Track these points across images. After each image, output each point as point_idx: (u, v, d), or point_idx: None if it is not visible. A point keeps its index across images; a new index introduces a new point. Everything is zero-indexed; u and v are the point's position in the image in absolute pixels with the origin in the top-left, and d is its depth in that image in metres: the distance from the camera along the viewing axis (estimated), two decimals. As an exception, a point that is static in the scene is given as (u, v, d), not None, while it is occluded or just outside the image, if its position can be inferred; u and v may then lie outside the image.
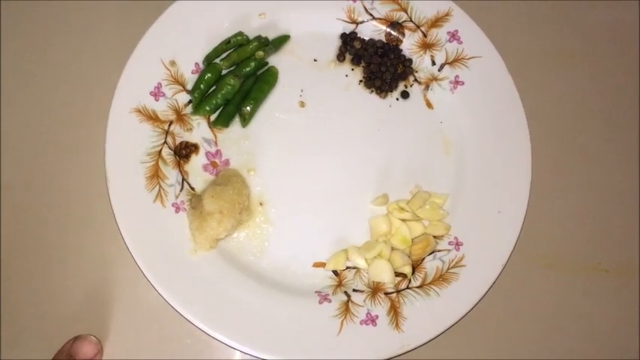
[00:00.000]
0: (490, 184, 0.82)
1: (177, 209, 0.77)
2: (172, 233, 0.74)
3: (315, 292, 0.76)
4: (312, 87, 0.85)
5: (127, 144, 0.76)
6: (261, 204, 0.80)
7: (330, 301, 0.75)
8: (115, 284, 0.77)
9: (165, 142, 0.79)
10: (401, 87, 0.88)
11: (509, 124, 0.84)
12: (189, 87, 0.81)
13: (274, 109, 0.84)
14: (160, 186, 0.77)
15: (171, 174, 0.78)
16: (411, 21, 0.89)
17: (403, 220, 0.80)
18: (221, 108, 0.81)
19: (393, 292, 0.77)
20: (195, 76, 0.81)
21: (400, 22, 0.88)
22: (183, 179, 0.79)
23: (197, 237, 0.75)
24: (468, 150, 0.85)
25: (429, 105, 0.88)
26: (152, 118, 0.79)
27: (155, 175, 0.77)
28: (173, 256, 0.73)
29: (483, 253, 0.79)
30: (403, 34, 0.89)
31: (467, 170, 0.84)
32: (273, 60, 0.85)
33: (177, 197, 0.77)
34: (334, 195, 0.81)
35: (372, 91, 0.87)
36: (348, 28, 0.88)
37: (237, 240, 0.78)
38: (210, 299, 0.72)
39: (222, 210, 0.74)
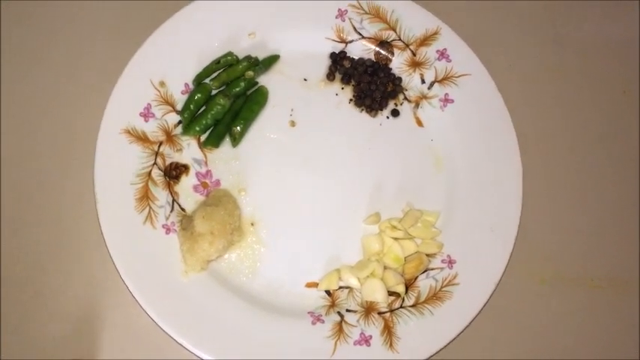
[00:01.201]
0: (481, 201, 0.83)
1: (168, 230, 0.78)
2: (163, 255, 0.75)
3: (308, 312, 0.77)
4: (303, 106, 0.86)
5: (117, 165, 0.76)
6: (252, 224, 0.80)
7: (323, 321, 0.76)
8: (105, 307, 0.77)
9: (155, 163, 0.80)
10: (391, 105, 0.89)
11: (500, 141, 0.85)
12: (179, 107, 0.82)
13: (265, 128, 0.85)
14: (150, 207, 0.78)
15: (161, 195, 0.78)
16: (400, 40, 0.90)
17: (395, 239, 0.80)
18: (211, 128, 0.82)
19: (386, 312, 0.77)
20: (185, 97, 0.82)
21: (389, 40, 0.90)
22: (174, 200, 0.79)
23: (188, 258, 0.75)
24: (459, 167, 0.86)
25: (420, 123, 0.89)
26: (142, 139, 0.79)
27: (145, 197, 0.78)
28: (164, 278, 0.74)
29: (477, 271, 0.79)
30: (392, 53, 0.90)
31: (458, 187, 0.85)
32: (263, 80, 0.86)
33: (167, 219, 0.78)
34: (326, 214, 0.82)
35: (363, 110, 0.88)
36: (338, 47, 0.90)
37: (229, 261, 0.79)
38: (201, 321, 0.72)
39: (213, 231, 0.74)
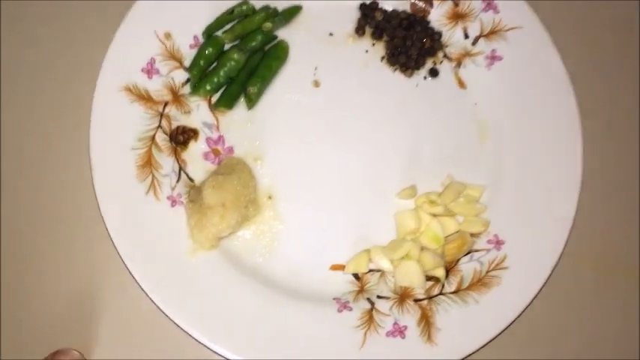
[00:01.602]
0: (534, 174, 0.77)
1: (174, 203, 0.73)
2: (167, 230, 0.71)
3: (334, 299, 0.72)
4: (328, 64, 0.81)
5: (116, 127, 0.72)
6: (270, 197, 0.76)
7: (350, 309, 0.71)
8: (102, 290, 0.73)
9: (159, 126, 0.75)
10: (429, 64, 0.83)
11: (556, 107, 0.79)
12: (187, 63, 0.77)
13: (285, 89, 0.80)
14: (154, 176, 0.73)
15: (166, 162, 0.74)
16: None
17: (434, 216, 0.75)
18: (224, 88, 0.77)
19: (424, 299, 0.72)
20: (194, 51, 0.77)
21: None
22: (180, 169, 0.75)
23: (196, 234, 0.70)
24: (508, 136, 0.80)
25: (462, 84, 0.83)
26: (144, 98, 0.75)
27: (148, 164, 0.73)
28: (168, 256, 0.69)
29: (529, 253, 0.74)
30: (431, 4, 0.84)
31: (506, 159, 0.79)
32: (283, 33, 0.81)
33: (173, 189, 0.73)
34: (354, 187, 0.77)
35: (396, 69, 0.83)
36: None
37: (243, 239, 0.74)
38: (211, 307, 0.68)
39: (225, 203, 0.70)
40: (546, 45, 0.81)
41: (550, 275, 0.73)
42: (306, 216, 0.76)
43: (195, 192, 0.73)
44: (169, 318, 0.67)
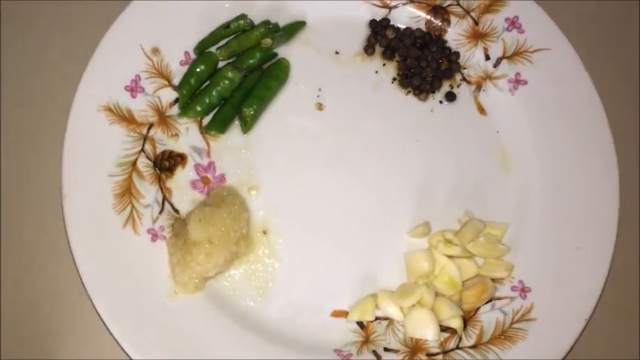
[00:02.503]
0: (564, 212, 0.74)
1: (155, 237, 0.69)
2: (146, 269, 0.67)
3: (335, 350, 0.68)
4: (333, 86, 0.78)
5: (92, 151, 0.69)
6: (264, 232, 0.72)
7: None
8: (68, 337, 0.68)
9: (142, 150, 0.72)
10: (446, 87, 0.81)
11: (589, 135, 0.77)
12: (177, 82, 0.75)
13: (284, 112, 0.77)
14: (133, 206, 0.69)
15: (148, 191, 0.71)
16: (459, 4, 0.81)
17: (450, 257, 0.71)
18: (216, 109, 0.75)
19: (438, 354, 0.68)
20: (185, 68, 0.75)
21: (444, 5, 0.81)
22: (164, 199, 0.71)
23: (178, 274, 0.66)
24: (533, 167, 0.77)
25: (482, 110, 0.80)
26: (126, 119, 0.72)
27: (127, 193, 0.69)
28: (145, 299, 0.65)
29: (559, 303, 0.70)
30: (448, 22, 0.82)
31: (532, 193, 0.76)
32: (284, 51, 0.79)
33: (154, 222, 0.70)
34: (360, 223, 0.74)
35: (409, 92, 0.80)
36: (379, 13, 0.82)
37: (232, 279, 0.70)
38: (193, 358, 0.64)
39: (212, 239, 0.66)
40: (576, 68, 0.79)
41: (584, 329, 0.69)
42: (305, 254, 0.72)
43: (179, 225, 0.69)
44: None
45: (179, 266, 0.66)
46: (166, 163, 0.73)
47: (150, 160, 0.72)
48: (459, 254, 0.71)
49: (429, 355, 0.68)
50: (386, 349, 0.68)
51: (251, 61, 0.77)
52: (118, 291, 0.65)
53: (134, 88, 0.73)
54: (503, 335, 0.69)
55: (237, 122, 0.76)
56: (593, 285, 0.70)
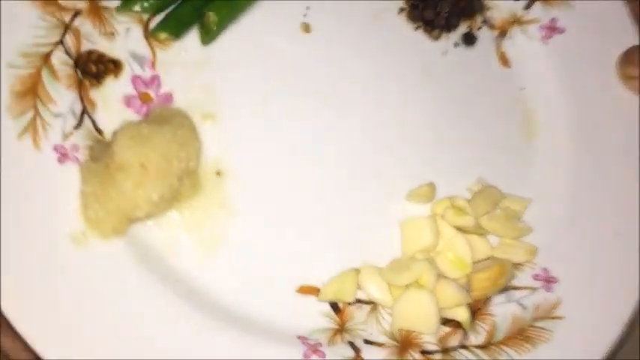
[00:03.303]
0: (601, 190, 0.70)
1: (63, 157, 0.60)
2: (46, 198, 0.58)
3: (299, 337, 0.61)
4: (326, 4, 0.72)
5: None
6: (218, 174, 0.65)
7: (323, 355, 0.60)
8: None
9: (60, 42, 0.62)
10: (463, 27, 0.75)
11: (633, 99, 0.72)
12: None
13: (260, 26, 0.70)
14: (38, 112, 0.60)
15: (62, 97, 0.61)
16: None
17: (460, 229, 0.65)
18: (171, 7, 0.67)
19: (435, 352, 0.62)
20: None
21: None
22: (85, 111, 0.62)
23: (92, 207, 0.57)
24: (564, 134, 0.72)
25: (505, 61, 0.75)
26: None
27: (31, 93, 0.60)
28: (40, 241, 0.56)
29: (593, 298, 0.65)
30: None
31: (562, 164, 0.72)
32: None
33: (66, 137, 0.60)
34: (344, 176, 0.68)
35: (419, 27, 0.75)
36: None
37: (167, 227, 0.61)
38: (101, 332, 0.55)
39: (146, 163, 0.56)
40: (626, 19, 0.74)
41: (626, 333, 0.64)
42: (269, 209, 0.65)
43: (100, 149, 0.59)
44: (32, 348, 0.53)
45: (94, 197, 0.56)
46: (93, 68, 0.64)
47: (70, 57, 0.63)
48: (471, 228, 0.64)
49: (424, 353, 0.61)
50: (367, 342, 0.62)
51: None
52: (4, 225, 0.55)
53: None
54: (521, 335, 0.63)
55: (196, 29, 0.68)
56: (636, 280, 0.65)
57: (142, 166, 0.55)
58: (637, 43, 0.72)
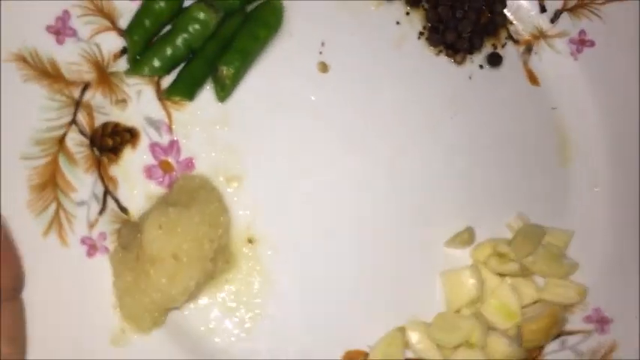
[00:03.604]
0: None
1: (92, 250, 0.60)
2: (79, 298, 0.58)
3: None
4: (341, 40, 0.71)
5: None
6: (249, 241, 0.64)
7: None
8: None
9: (73, 122, 0.61)
10: (488, 47, 0.75)
11: None
12: (124, 23, 0.66)
13: (276, 73, 0.69)
14: (60, 204, 0.59)
15: (82, 182, 0.61)
16: None
17: (503, 276, 0.65)
18: (182, 65, 0.67)
19: None
20: (137, 4, 0.66)
21: None
22: (107, 192, 0.62)
23: (129, 305, 0.57)
24: (602, 156, 0.72)
25: (534, 80, 0.74)
26: (49, 74, 0.61)
27: (50, 184, 0.59)
28: (80, 343, 0.56)
29: None
30: None
31: (601, 191, 0.71)
32: None
33: (92, 227, 0.60)
34: (380, 229, 0.67)
35: (441, 52, 0.74)
36: None
37: (205, 309, 0.61)
38: None
39: (178, 253, 0.56)
40: None
41: None
42: (307, 272, 0.65)
43: (129, 232, 0.60)
44: None
45: (129, 294, 0.57)
46: (109, 141, 0.63)
47: (85, 136, 0.62)
48: (516, 273, 0.64)
49: (481, 410, 0.61)
50: (420, 404, 0.61)
51: (231, 0, 0.68)
52: (40, 332, 0.55)
53: (61, 30, 0.63)
54: (580, 384, 0.62)
55: (210, 85, 0.68)
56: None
57: (175, 257, 0.55)
58: None
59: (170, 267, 0.55)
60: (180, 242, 0.56)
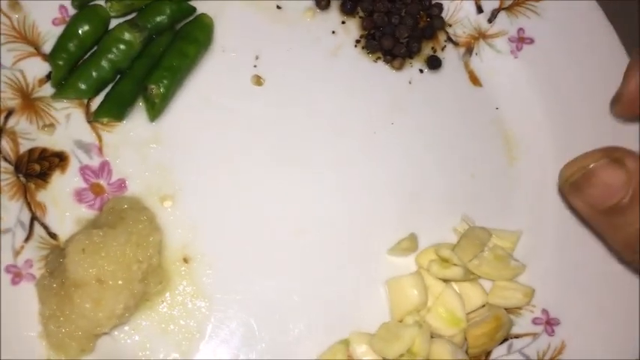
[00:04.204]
0: None
1: (17, 278, 0.58)
2: (5, 325, 0.56)
3: None
4: (275, 52, 0.71)
5: None
6: (185, 260, 0.63)
7: None
8: None
9: None
10: (427, 51, 0.74)
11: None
12: (48, 48, 0.65)
13: (208, 89, 0.69)
14: None
15: (7, 210, 0.60)
16: None
17: (447, 281, 0.64)
18: (109, 87, 0.66)
19: None
20: (60, 29, 0.65)
21: None
22: (34, 219, 0.60)
23: (53, 333, 0.55)
24: (548, 154, 0.71)
25: (475, 80, 0.73)
26: None
27: None
28: None
29: (600, 339, 0.63)
30: None
31: (549, 190, 0.70)
32: (205, 5, 0.70)
33: (17, 254, 0.59)
34: (321, 241, 0.66)
35: (379, 58, 0.73)
36: None
37: (141, 332, 0.59)
38: None
39: (103, 277, 0.54)
40: (598, 20, 0.71)
41: None
42: (246, 289, 0.63)
43: (56, 257, 0.58)
44: None
45: (54, 321, 0.55)
46: (36, 167, 0.62)
47: (9, 162, 0.61)
48: (460, 277, 0.63)
49: (426, 422, 0.59)
50: (364, 418, 0.59)
51: (158, 19, 0.67)
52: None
53: None
54: (529, 388, 0.60)
55: (140, 105, 0.67)
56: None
57: (99, 281, 0.53)
58: (615, 44, 0.70)
59: (94, 291, 0.54)
60: (104, 265, 0.54)
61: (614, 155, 0.52)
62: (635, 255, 0.54)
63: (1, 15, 0.62)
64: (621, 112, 0.63)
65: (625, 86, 0.61)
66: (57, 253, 0.57)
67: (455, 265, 0.63)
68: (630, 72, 0.61)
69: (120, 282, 0.54)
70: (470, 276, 0.63)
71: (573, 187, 0.54)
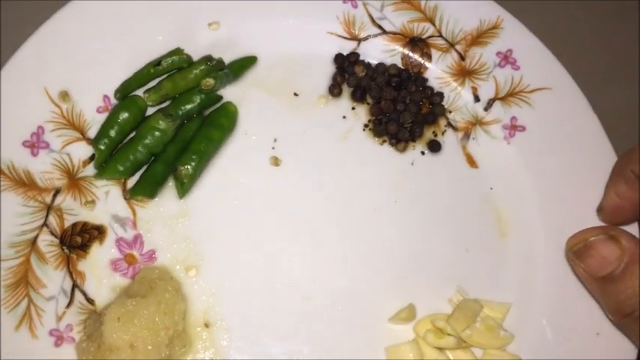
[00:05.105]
0: (578, 289, 0.69)
1: (59, 341, 0.61)
2: None
3: None
4: (292, 136, 0.74)
5: None
6: (206, 325, 0.66)
7: None
8: None
9: (44, 225, 0.64)
10: (428, 135, 0.77)
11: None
12: (92, 134, 0.69)
13: (231, 169, 0.72)
14: (31, 300, 0.61)
15: (52, 279, 0.63)
16: (441, 36, 0.77)
17: (442, 350, 0.66)
18: (144, 168, 0.70)
19: None
20: (103, 117, 0.69)
21: (424, 37, 0.77)
22: (75, 287, 0.64)
23: None
24: (537, 231, 0.72)
25: (472, 162, 0.76)
26: (24, 184, 0.64)
27: (23, 282, 0.62)
28: None
29: None
30: (429, 57, 0.77)
31: (537, 264, 0.71)
32: (231, 94, 0.74)
33: (59, 319, 0.62)
34: (329, 309, 0.68)
35: (384, 142, 0.76)
36: (347, 46, 0.78)
37: None
38: None
39: (135, 342, 0.58)
40: (583, 111, 0.74)
41: None
42: (262, 352, 0.66)
43: (94, 322, 0.62)
44: None
45: None
46: (78, 239, 0.66)
47: (55, 236, 0.65)
48: (453, 346, 0.65)
49: None
50: None
51: (188, 107, 0.71)
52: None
53: (35, 144, 0.66)
54: None
55: (171, 184, 0.70)
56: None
57: (131, 346, 0.58)
58: (598, 133, 0.72)
59: (127, 355, 0.57)
60: (136, 331, 0.58)
61: (611, 233, 0.61)
62: (624, 319, 0.61)
63: (52, 104, 0.67)
64: (606, 220, 0.68)
65: (605, 200, 0.67)
66: (94, 318, 0.61)
67: (449, 334, 0.64)
68: (609, 186, 0.67)
69: (149, 347, 0.58)
70: (462, 344, 0.65)
71: (575, 255, 0.63)
